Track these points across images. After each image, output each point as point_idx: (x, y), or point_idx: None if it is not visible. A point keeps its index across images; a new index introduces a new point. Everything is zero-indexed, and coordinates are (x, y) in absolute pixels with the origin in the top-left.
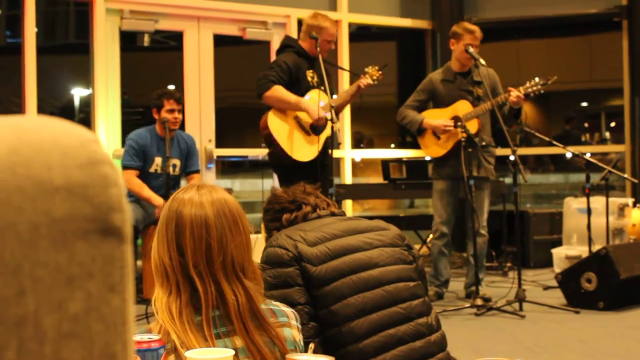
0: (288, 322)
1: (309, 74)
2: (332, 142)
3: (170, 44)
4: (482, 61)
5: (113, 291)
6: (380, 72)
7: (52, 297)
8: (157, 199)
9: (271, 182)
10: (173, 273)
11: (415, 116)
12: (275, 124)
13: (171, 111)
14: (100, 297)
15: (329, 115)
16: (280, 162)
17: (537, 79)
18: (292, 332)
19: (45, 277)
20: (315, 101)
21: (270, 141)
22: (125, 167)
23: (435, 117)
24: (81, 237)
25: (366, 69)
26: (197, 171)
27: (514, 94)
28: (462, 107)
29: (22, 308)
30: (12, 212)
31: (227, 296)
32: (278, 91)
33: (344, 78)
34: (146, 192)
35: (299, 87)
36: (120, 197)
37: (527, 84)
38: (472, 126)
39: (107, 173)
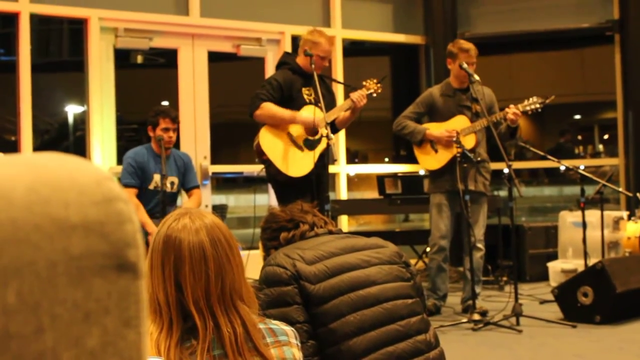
0: (288, 340)
1: (305, 91)
2: (328, 158)
3: (164, 62)
4: (476, 77)
5: (129, 326)
6: (379, 85)
7: (70, 333)
8: (151, 226)
9: (265, 198)
10: (167, 310)
11: (416, 127)
12: (267, 141)
13: (166, 130)
14: (116, 332)
15: (322, 130)
16: (274, 179)
17: (535, 98)
18: (293, 350)
19: (63, 314)
20: (308, 112)
21: (263, 159)
22: (124, 186)
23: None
24: (97, 273)
25: (364, 82)
26: (197, 186)
27: (512, 111)
28: (460, 122)
29: (41, 345)
30: (30, 250)
31: (222, 329)
32: (267, 108)
33: (339, 93)
34: (142, 216)
35: (294, 104)
36: (135, 233)
37: (526, 102)
38: (470, 142)
39: (121, 210)
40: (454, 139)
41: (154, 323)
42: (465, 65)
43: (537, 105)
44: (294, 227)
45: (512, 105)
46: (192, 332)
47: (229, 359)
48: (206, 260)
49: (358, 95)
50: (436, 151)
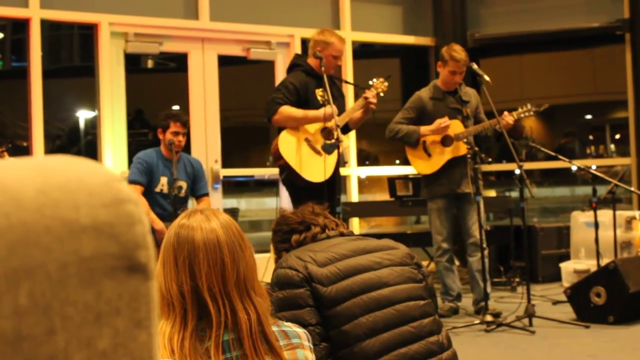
0: (301, 343)
1: (319, 92)
2: (340, 160)
3: (174, 66)
4: (487, 77)
5: (140, 327)
6: (385, 84)
7: (81, 335)
8: (158, 223)
9: (277, 200)
10: (180, 301)
11: (409, 128)
12: (286, 147)
13: (176, 134)
14: (127, 333)
15: (337, 132)
16: (293, 184)
17: (528, 106)
18: (305, 353)
19: (74, 315)
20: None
21: (281, 164)
22: (130, 182)
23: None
24: (108, 274)
25: (371, 82)
26: (207, 194)
27: (506, 121)
28: (454, 126)
29: (52, 346)
30: (41, 252)
31: (239, 314)
32: (285, 111)
33: (348, 94)
34: (149, 214)
35: (309, 106)
36: (145, 234)
37: (520, 110)
38: (463, 146)
39: (131, 211)
40: (448, 123)
41: (167, 319)
42: (475, 66)
43: (531, 113)
44: (305, 230)
45: (506, 113)
46: (207, 328)
47: (244, 346)
48: (220, 247)
49: (372, 95)
50: (429, 155)
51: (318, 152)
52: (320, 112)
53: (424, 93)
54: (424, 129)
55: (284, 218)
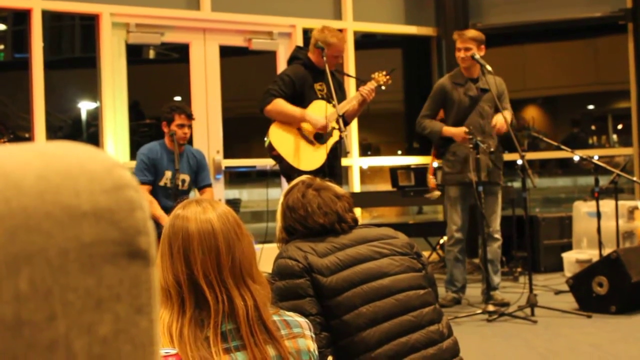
0: (302, 332)
1: (317, 86)
2: (340, 150)
3: (176, 56)
4: (489, 67)
5: (141, 313)
6: (388, 77)
7: (82, 321)
8: (165, 220)
9: (278, 192)
10: (177, 290)
11: (433, 128)
12: (278, 137)
13: (181, 126)
14: (128, 319)
15: (333, 124)
16: (287, 174)
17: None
18: (307, 342)
19: (75, 301)
20: (319, 110)
21: (273, 155)
22: None
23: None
24: (109, 260)
25: (372, 75)
26: (209, 185)
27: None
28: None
29: (53, 332)
30: (41, 238)
31: (236, 301)
32: (279, 104)
33: (350, 86)
34: (157, 211)
35: (305, 100)
36: (146, 220)
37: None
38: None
39: (132, 197)
40: (468, 138)
41: (165, 310)
42: (477, 56)
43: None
44: (311, 234)
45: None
46: (205, 317)
47: (241, 333)
48: (215, 235)
49: (367, 90)
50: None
51: (311, 142)
52: (319, 120)
53: (446, 80)
54: (446, 130)
55: (305, 210)
